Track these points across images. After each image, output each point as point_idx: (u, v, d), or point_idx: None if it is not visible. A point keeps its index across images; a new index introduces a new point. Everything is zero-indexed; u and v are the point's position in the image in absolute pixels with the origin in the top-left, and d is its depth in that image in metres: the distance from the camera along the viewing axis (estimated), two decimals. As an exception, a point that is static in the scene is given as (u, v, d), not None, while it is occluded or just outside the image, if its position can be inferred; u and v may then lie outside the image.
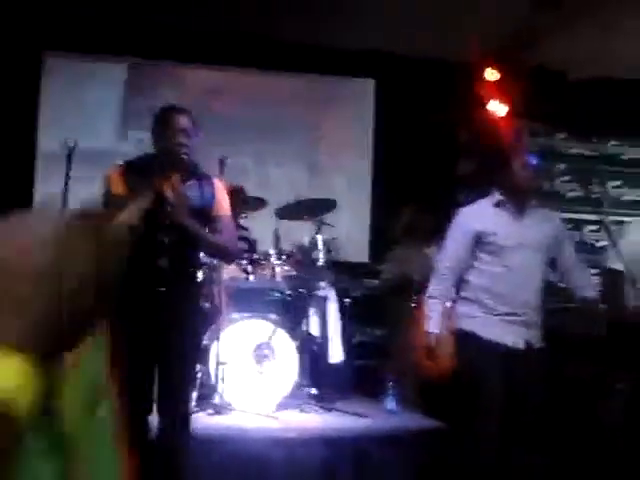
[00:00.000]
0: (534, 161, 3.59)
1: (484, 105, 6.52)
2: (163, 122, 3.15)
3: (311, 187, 6.53)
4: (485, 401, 3.40)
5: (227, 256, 3.54)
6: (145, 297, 3.05)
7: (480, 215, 3.54)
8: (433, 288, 3.59)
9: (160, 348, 3.11)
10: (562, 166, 6.77)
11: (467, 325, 3.50)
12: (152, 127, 3.21)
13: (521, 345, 3.41)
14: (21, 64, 5.94)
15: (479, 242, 3.48)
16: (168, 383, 3.11)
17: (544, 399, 3.51)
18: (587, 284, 3.61)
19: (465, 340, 3.50)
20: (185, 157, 3.08)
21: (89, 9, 5.76)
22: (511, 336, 3.41)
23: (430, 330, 3.49)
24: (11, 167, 5.86)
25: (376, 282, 5.63)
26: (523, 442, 3.42)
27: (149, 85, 6.41)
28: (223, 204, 3.24)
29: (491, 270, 3.45)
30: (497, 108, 6.52)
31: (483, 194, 3.67)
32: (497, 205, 3.53)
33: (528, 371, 3.42)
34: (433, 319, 3.50)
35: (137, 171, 3.11)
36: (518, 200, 3.52)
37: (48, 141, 5.98)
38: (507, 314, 3.42)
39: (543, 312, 3.54)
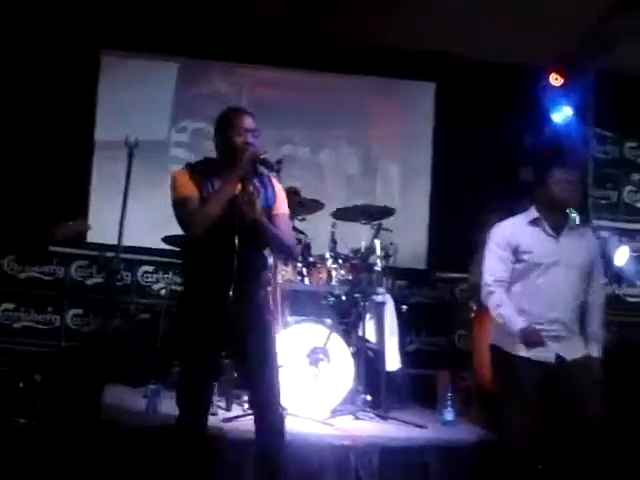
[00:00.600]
0: (573, 175, 3.47)
1: (547, 110, 6.34)
2: (230, 123, 3.12)
3: (368, 192, 6.45)
4: (517, 413, 3.35)
5: (290, 254, 3.46)
6: (216, 300, 3.02)
7: (515, 231, 3.48)
8: (494, 298, 3.48)
9: (238, 353, 3.14)
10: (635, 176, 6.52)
11: (499, 340, 3.48)
12: (217, 128, 3.18)
13: (552, 359, 3.34)
14: (80, 61, 6.04)
15: (514, 258, 3.43)
16: (255, 388, 3.12)
17: (584, 411, 3.37)
18: (596, 333, 3.48)
19: (499, 354, 3.46)
20: (258, 155, 3.04)
21: (142, 8, 5.81)
22: (540, 351, 3.32)
23: (519, 327, 3.33)
24: (71, 156, 5.97)
25: (434, 290, 5.51)
26: (561, 456, 3.34)
27: (200, 77, 6.47)
28: (283, 202, 3.23)
29: (521, 287, 3.42)
30: (560, 113, 6.33)
31: (522, 209, 3.60)
32: (532, 222, 3.47)
33: (562, 384, 3.34)
34: (513, 320, 3.36)
35: (203, 174, 3.08)
36: (554, 217, 3.45)
37: (104, 134, 6.11)
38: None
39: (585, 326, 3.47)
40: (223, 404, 4.36)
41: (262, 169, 3.19)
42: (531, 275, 3.39)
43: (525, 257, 3.40)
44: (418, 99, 6.77)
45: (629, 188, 6.51)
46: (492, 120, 6.21)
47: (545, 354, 3.33)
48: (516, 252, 3.42)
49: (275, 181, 3.27)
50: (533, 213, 3.48)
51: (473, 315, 4.77)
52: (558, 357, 3.35)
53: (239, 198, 3.01)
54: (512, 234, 3.46)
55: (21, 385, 4.78)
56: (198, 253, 3.07)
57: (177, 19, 5.94)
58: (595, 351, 3.45)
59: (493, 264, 3.48)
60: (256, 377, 3.07)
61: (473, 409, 4.73)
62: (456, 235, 5.65)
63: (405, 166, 6.73)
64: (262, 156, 3.08)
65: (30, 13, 5.79)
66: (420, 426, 4.29)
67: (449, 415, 4.42)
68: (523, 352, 3.33)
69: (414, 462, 3.86)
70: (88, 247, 5.80)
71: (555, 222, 3.45)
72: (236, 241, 2.98)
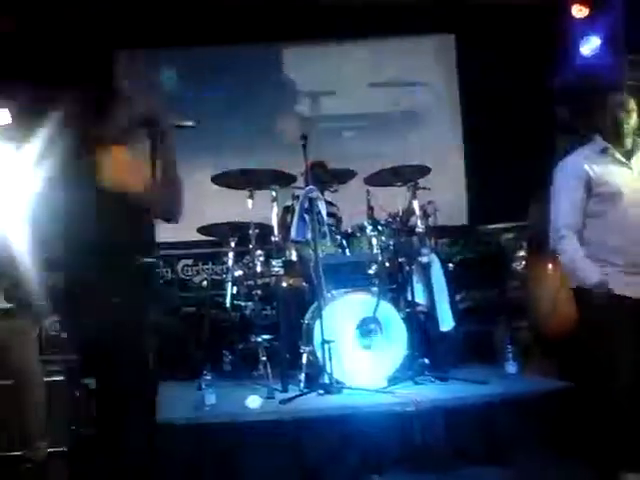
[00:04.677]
0: (628, 99, 3.26)
1: (574, 44, 6.07)
2: None
3: (399, 153, 6.31)
4: (613, 356, 3.10)
5: None
6: None
7: (587, 163, 3.23)
8: (564, 245, 3.25)
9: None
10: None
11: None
12: None
13: None
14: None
15: (589, 194, 3.20)
16: None
17: None
18: None
19: (586, 295, 3.17)
20: None
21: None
22: (632, 287, 3.12)
23: (592, 281, 3.14)
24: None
25: (479, 244, 5.32)
26: None
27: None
28: None
29: (603, 223, 3.18)
30: (588, 45, 6.06)
31: (584, 142, 3.37)
32: (603, 151, 3.25)
33: None
34: (587, 270, 3.17)
35: None
36: (622, 143, 3.23)
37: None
38: (625, 266, 3.15)
39: None
40: (279, 386, 4.27)
41: None
42: (612, 208, 3.15)
43: (601, 190, 3.17)
44: (438, 53, 6.62)
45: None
46: (519, 63, 5.99)
47: (637, 289, 3.10)
48: (589, 186, 3.19)
49: None
50: (601, 143, 3.26)
51: (524, 263, 4.59)
52: None
53: None
54: (582, 167, 3.21)
55: (77, 394, 4.76)
56: None
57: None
58: None
59: (563, 207, 3.24)
60: None
61: (535, 360, 4.55)
62: (495, 184, 5.46)
63: (432, 123, 6.58)
64: None
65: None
66: (482, 382, 4.14)
67: (512, 368, 4.26)
68: (614, 288, 3.09)
69: (480, 419, 3.73)
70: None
71: (624, 148, 3.23)
72: None
